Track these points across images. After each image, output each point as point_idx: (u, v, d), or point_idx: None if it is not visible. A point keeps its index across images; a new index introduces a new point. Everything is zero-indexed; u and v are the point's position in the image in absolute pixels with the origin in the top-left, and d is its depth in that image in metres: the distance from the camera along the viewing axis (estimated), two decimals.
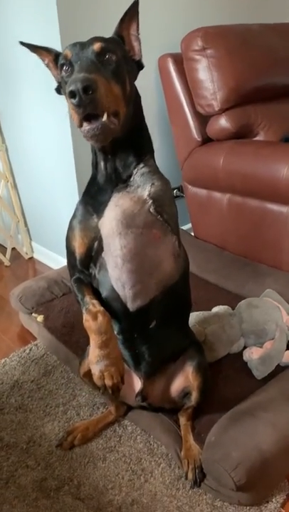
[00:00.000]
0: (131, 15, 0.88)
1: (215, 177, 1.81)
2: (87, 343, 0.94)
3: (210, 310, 1.57)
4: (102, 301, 0.95)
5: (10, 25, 1.80)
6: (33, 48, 0.93)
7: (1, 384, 1.44)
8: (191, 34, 1.79)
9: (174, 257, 0.97)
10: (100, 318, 0.90)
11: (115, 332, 1.00)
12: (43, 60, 0.95)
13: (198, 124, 1.91)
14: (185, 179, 2.00)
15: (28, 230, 2.37)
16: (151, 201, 0.90)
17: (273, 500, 1.05)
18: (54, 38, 1.59)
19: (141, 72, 0.94)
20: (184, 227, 2.31)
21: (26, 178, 2.17)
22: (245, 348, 1.43)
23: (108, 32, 0.91)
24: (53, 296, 1.72)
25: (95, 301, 0.93)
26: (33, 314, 1.65)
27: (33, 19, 1.67)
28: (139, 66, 0.94)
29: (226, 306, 1.55)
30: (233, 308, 1.54)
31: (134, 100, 0.91)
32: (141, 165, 0.92)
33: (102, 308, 0.92)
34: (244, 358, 1.38)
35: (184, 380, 1.13)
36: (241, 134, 1.84)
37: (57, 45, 1.60)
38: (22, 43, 0.92)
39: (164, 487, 1.10)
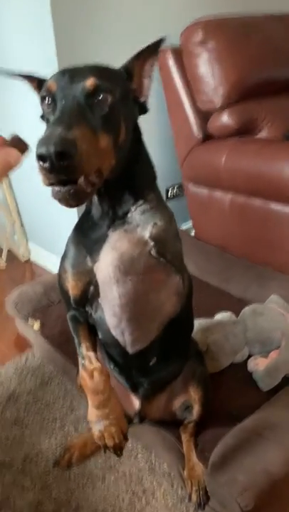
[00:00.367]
0: (151, 52, 0.72)
1: (216, 176, 1.74)
2: None
3: (211, 314, 1.51)
4: (100, 340, 0.90)
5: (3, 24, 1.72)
6: (13, 76, 0.79)
7: None
8: (191, 26, 1.71)
9: (178, 295, 0.87)
10: (97, 376, 0.82)
11: (111, 367, 0.95)
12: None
13: (199, 120, 1.83)
14: (185, 178, 1.93)
15: (24, 231, 2.30)
16: (152, 243, 0.78)
17: None
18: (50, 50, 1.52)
19: None
20: (184, 227, 2.24)
21: (22, 176, 2.10)
22: (249, 356, 1.37)
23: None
24: (49, 302, 1.66)
25: (91, 354, 0.85)
26: (29, 321, 1.59)
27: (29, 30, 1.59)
28: (143, 109, 0.76)
29: (229, 313, 1.49)
30: (236, 315, 1.48)
31: (131, 143, 0.75)
32: (140, 202, 0.78)
33: (98, 365, 0.84)
34: (248, 368, 1.32)
35: (185, 393, 1.08)
36: (244, 130, 1.76)
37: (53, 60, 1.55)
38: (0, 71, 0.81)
39: (167, 510, 1.04)
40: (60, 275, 0.86)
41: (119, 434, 0.83)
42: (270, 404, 1.16)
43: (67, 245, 0.85)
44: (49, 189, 0.67)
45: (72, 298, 0.85)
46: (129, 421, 1.13)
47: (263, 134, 1.79)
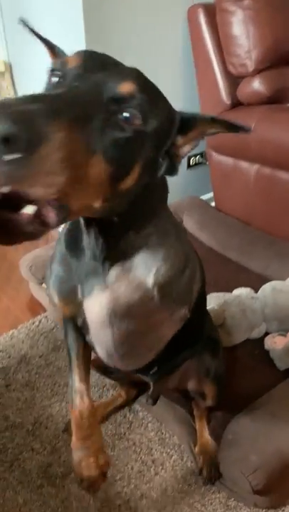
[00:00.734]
0: (222, 127, 0.55)
1: (244, 145, 1.66)
2: None
3: (229, 290, 1.47)
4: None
5: None
6: (34, 34, 0.65)
7: (8, 358, 1.38)
8: None
9: (183, 320, 0.76)
10: (85, 417, 0.79)
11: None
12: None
13: (229, 85, 1.73)
14: (210, 145, 1.86)
15: None
16: (156, 291, 0.65)
17: None
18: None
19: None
20: (205, 197, 2.18)
21: None
22: (266, 334, 1.34)
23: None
24: None
25: (83, 389, 0.79)
26: (44, 285, 1.57)
27: None
28: (171, 170, 0.58)
29: (248, 289, 1.45)
30: (255, 291, 1.44)
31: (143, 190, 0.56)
32: (143, 233, 0.62)
33: (87, 405, 0.79)
34: (266, 346, 1.29)
35: (198, 383, 1.01)
36: (276, 98, 1.66)
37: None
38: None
39: (176, 482, 1.04)
40: (47, 285, 0.74)
41: (96, 467, 0.80)
42: (287, 383, 1.14)
43: (51, 263, 0.72)
44: None
45: (62, 314, 0.77)
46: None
47: None
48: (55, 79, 0.50)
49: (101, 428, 1.14)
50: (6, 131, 0.35)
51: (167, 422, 1.14)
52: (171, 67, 1.85)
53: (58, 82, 0.49)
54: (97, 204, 0.48)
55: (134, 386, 1.19)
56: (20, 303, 1.70)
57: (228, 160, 1.80)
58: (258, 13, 1.57)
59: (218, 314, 1.33)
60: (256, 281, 1.49)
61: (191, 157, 2.11)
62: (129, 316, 0.67)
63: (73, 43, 1.56)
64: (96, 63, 0.49)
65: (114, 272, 0.63)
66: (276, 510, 0.98)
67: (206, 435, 1.05)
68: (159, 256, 0.64)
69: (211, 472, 1.00)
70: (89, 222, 0.60)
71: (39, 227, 0.43)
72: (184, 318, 0.75)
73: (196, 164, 2.13)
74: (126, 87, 0.47)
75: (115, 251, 0.62)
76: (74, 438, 0.82)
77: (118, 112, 0.46)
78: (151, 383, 0.98)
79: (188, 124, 0.56)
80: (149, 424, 1.17)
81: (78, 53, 0.51)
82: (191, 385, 1.03)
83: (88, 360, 0.84)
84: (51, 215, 0.43)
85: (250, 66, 1.62)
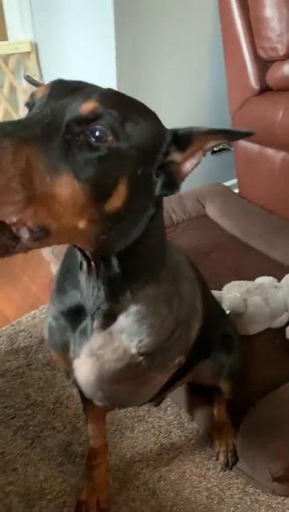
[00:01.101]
0: (225, 137, 0.53)
1: (271, 132, 1.63)
2: None
3: (250, 278, 1.46)
4: None
5: None
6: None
7: (29, 337, 1.40)
8: None
9: (179, 364, 0.74)
10: (96, 455, 0.95)
11: None
12: None
13: (258, 69, 1.69)
14: None
15: None
16: (141, 358, 0.64)
17: None
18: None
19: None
20: (228, 183, 2.15)
21: None
22: (288, 323, 1.33)
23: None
24: None
25: (97, 436, 0.94)
26: None
27: None
28: (171, 187, 0.55)
29: (271, 277, 1.43)
30: (278, 280, 1.43)
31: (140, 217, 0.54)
32: (134, 298, 0.60)
33: (98, 445, 0.95)
34: (287, 336, 1.28)
35: (213, 380, 0.99)
36: None
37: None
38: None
39: (194, 465, 1.05)
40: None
41: (93, 501, 0.95)
42: None
43: (49, 307, 0.71)
44: None
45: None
46: None
47: None
48: (26, 111, 0.51)
49: (120, 411, 1.16)
50: None
51: (186, 407, 1.15)
52: (199, 50, 1.82)
53: (27, 114, 0.50)
54: (81, 225, 0.47)
55: None
56: (41, 284, 1.71)
57: (253, 147, 1.78)
58: None
59: (239, 303, 1.32)
60: (278, 271, 1.47)
61: None
62: (117, 381, 0.67)
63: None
64: (63, 90, 0.49)
65: (99, 338, 0.63)
66: None
67: (224, 420, 1.05)
68: (144, 326, 0.62)
69: (227, 457, 1.01)
70: (90, 264, 0.58)
71: (9, 242, 0.42)
72: (180, 363, 0.73)
73: (220, 150, 2.10)
74: (87, 107, 0.46)
75: (107, 311, 0.61)
76: (85, 466, 0.99)
77: (85, 131, 0.46)
78: None
79: (185, 139, 0.54)
80: (169, 408, 1.18)
81: (47, 84, 0.51)
82: (206, 381, 1.03)
83: (101, 412, 0.94)
84: (24, 232, 0.43)
85: (282, 50, 1.58)
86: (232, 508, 0.97)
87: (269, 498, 0.98)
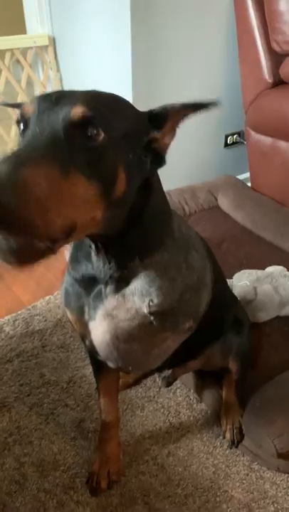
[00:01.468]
0: (196, 109, 0.58)
1: (284, 125, 1.65)
2: None
3: (261, 269, 1.49)
4: None
5: None
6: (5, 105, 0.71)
7: (44, 321, 1.45)
8: None
9: (189, 330, 0.78)
10: (109, 425, 0.99)
11: None
12: None
13: (272, 63, 1.71)
14: (249, 124, 1.85)
15: None
16: (152, 317, 0.69)
17: None
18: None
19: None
20: (241, 177, 2.17)
21: None
22: None
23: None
24: None
25: (109, 410, 0.99)
26: None
27: None
28: (159, 162, 0.62)
29: (281, 267, 1.46)
30: (288, 270, 1.45)
31: (138, 195, 0.60)
32: (143, 263, 0.66)
33: (110, 419, 1.00)
34: None
35: (222, 359, 1.03)
36: None
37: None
38: None
39: (202, 443, 1.09)
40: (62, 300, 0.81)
41: (104, 472, 0.99)
42: None
43: (65, 278, 0.77)
44: None
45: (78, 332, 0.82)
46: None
47: None
48: (22, 129, 0.55)
49: (132, 388, 1.20)
50: None
51: (195, 388, 1.18)
52: (213, 44, 1.84)
53: (24, 131, 0.54)
54: (99, 215, 0.53)
55: None
56: (56, 270, 1.76)
57: (266, 139, 1.80)
58: None
59: (250, 290, 1.35)
60: None
61: (229, 136, 2.10)
62: (131, 339, 0.73)
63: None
64: (48, 102, 0.53)
65: (114, 300, 0.69)
66: None
67: (231, 401, 1.08)
68: (154, 288, 0.67)
69: (234, 434, 1.04)
70: (98, 245, 0.64)
71: (51, 245, 0.49)
72: (190, 329, 0.78)
73: (233, 143, 2.13)
74: (76, 112, 0.50)
75: (118, 278, 0.67)
76: (97, 439, 1.04)
77: (80, 134, 0.50)
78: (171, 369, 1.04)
79: (161, 117, 0.59)
80: (178, 390, 1.21)
81: (32, 100, 0.55)
82: (216, 363, 1.06)
83: (114, 385, 0.99)
84: (58, 234, 0.49)
85: None
86: (237, 484, 1.00)
87: (274, 475, 1.01)
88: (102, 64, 1.78)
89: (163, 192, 0.68)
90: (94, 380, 1.22)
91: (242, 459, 1.05)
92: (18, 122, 0.56)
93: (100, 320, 0.71)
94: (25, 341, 1.36)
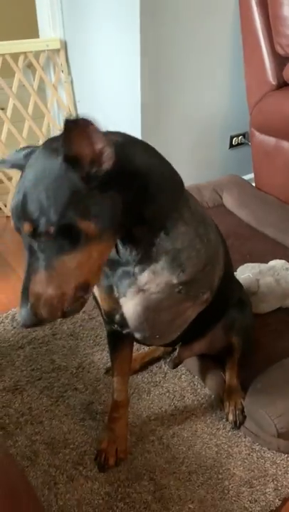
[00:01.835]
0: (82, 133, 0.59)
1: (287, 125, 1.71)
2: None
3: (265, 263, 1.54)
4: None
5: None
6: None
7: None
8: None
9: (207, 302, 0.87)
10: (119, 405, 1.04)
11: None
12: None
13: (276, 65, 1.78)
14: (253, 125, 1.90)
15: None
16: (181, 286, 0.78)
17: None
18: None
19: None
20: (246, 177, 2.23)
21: (89, 113, 2.14)
22: None
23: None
24: None
25: (121, 389, 1.03)
26: None
27: None
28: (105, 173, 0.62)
29: (283, 261, 1.51)
30: None
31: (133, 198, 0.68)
32: (163, 237, 0.73)
33: (121, 398, 1.04)
34: None
35: (226, 339, 1.11)
36: None
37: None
38: None
39: (205, 425, 1.13)
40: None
41: (112, 450, 1.03)
42: None
43: None
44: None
45: (102, 311, 0.90)
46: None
47: None
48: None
49: (139, 374, 1.25)
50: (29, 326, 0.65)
51: (199, 374, 1.23)
52: (219, 46, 1.90)
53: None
54: (100, 261, 0.67)
55: None
56: None
57: (270, 140, 1.85)
58: None
59: (252, 282, 1.40)
60: None
61: (234, 137, 2.16)
62: (160, 309, 0.81)
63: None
64: (15, 218, 0.64)
65: (145, 276, 0.76)
66: None
67: (234, 382, 1.13)
68: (182, 259, 0.75)
69: (236, 416, 1.09)
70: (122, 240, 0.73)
71: (81, 299, 0.66)
72: (207, 301, 0.87)
73: (238, 144, 2.18)
74: (27, 230, 0.62)
75: (146, 257, 0.74)
76: (107, 418, 1.08)
77: (39, 237, 0.62)
78: (178, 347, 1.09)
79: (73, 153, 0.61)
80: (183, 376, 1.26)
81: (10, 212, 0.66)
82: (219, 344, 1.12)
83: (127, 365, 1.05)
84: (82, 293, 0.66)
85: None
86: (239, 462, 1.04)
87: (274, 455, 1.06)
88: (111, 67, 1.85)
89: (163, 162, 0.73)
90: (102, 365, 1.28)
91: (244, 440, 1.10)
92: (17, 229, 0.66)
93: (132, 295, 0.79)
94: (36, 329, 1.41)
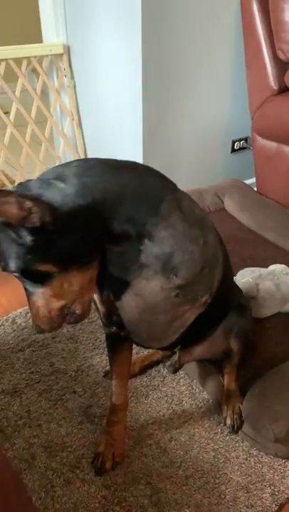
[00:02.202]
0: (3, 204, 0.63)
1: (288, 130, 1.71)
2: None
3: (265, 268, 1.54)
4: None
5: None
6: None
7: None
8: None
9: (205, 305, 0.87)
10: (118, 408, 1.04)
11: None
12: None
13: (277, 71, 1.78)
14: (255, 129, 1.91)
15: None
16: (178, 291, 0.79)
17: None
18: None
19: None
20: (248, 182, 2.23)
21: (92, 117, 2.16)
22: None
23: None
24: None
25: (119, 392, 1.03)
26: None
27: None
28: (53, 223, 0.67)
29: (283, 265, 1.51)
30: None
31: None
32: (148, 243, 0.74)
33: (120, 402, 1.04)
34: None
35: (225, 342, 1.10)
36: None
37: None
38: None
39: (203, 430, 1.13)
40: None
41: (109, 454, 1.03)
42: None
43: None
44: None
45: (101, 314, 0.92)
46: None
47: None
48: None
49: (138, 377, 1.25)
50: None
51: (198, 378, 1.23)
52: (220, 51, 1.91)
53: None
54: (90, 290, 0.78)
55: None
56: None
57: (271, 144, 1.86)
58: None
59: (252, 287, 1.40)
60: None
61: (236, 141, 2.16)
62: (157, 312, 0.82)
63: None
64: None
65: (139, 283, 0.77)
66: None
67: (232, 386, 1.13)
68: (174, 263, 0.76)
69: (234, 420, 1.09)
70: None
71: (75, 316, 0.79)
72: (206, 304, 0.86)
73: (240, 149, 2.19)
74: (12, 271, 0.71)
75: (136, 264, 0.75)
76: (105, 421, 1.09)
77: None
78: (178, 352, 1.11)
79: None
80: (181, 380, 1.26)
81: None
82: (218, 347, 1.12)
83: (126, 368, 1.05)
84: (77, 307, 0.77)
85: None
86: (236, 467, 1.04)
87: (271, 460, 1.05)
88: (113, 71, 1.86)
89: (124, 178, 0.73)
90: (101, 369, 1.29)
91: (241, 444, 1.09)
92: None
93: (127, 300, 0.80)
94: (36, 332, 1.42)
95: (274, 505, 0.98)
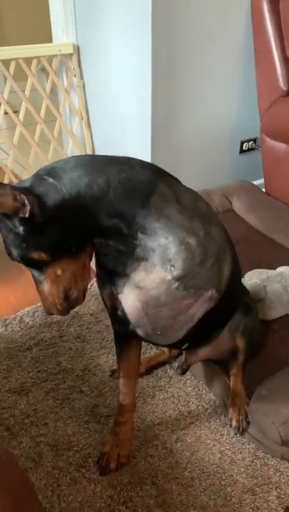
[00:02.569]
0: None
1: None
2: None
3: (274, 269, 1.54)
4: None
5: None
6: None
7: None
8: None
9: (213, 300, 0.86)
10: (125, 409, 1.04)
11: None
12: None
13: (287, 71, 1.77)
14: (264, 131, 1.90)
15: None
16: (178, 283, 0.79)
17: None
18: None
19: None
20: (256, 183, 2.22)
21: (101, 117, 2.16)
22: None
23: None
24: None
25: (126, 392, 1.03)
26: None
27: None
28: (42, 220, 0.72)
29: None
30: None
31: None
32: (143, 240, 0.75)
33: (127, 402, 1.04)
34: None
35: (231, 341, 1.10)
36: None
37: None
38: None
39: (209, 431, 1.13)
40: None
41: (114, 454, 1.04)
42: None
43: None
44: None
45: (107, 309, 0.92)
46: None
47: None
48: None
49: (144, 378, 1.25)
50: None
51: (204, 379, 1.23)
52: (229, 52, 1.91)
53: None
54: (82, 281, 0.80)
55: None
56: None
57: (280, 146, 1.85)
58: None
59: (259, 288, 1.40)
60: None
61: (244, 142, 2.16)
62: (159, 304, 0.82)
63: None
64: None
65: (139, 276, 0.79)
66: None
67: (238, 387, 1.12)
68: (171, 254, 0.76)
69: (240, 422, 1.09)
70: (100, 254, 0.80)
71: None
72: (213, 298, 0.85)
73: (248, 149, 2.18)
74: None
75: (134, 257, 0.77)
76: (113, 421, 1.09)
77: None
78: (184, 353, 1.10)
79: None
80: (188, 381, 1.26)
81: None
82: (225, 346, 1.12)
83: (134, 367, 1.05)
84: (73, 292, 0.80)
85: None
86: (242, 469, 1.04)
87: (278, 463, 1.05)
88: (123, 72, 1.86)
89: (110, 173, 0.74)
90: (108, 368, 1.29)
91: (247, 446, 1.09)
92: None
93: (129, 292, 0.82)
94: (43, 331, 1.43)
95: (280, 508, 0.97)
